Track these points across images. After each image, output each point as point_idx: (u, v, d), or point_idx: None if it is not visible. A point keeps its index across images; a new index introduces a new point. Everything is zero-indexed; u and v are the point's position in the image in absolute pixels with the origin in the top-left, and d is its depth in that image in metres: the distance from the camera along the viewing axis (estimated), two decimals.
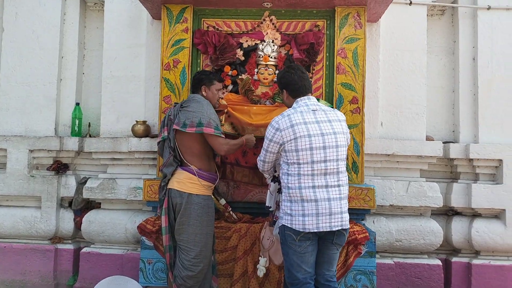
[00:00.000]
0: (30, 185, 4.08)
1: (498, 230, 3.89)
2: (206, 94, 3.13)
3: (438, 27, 4.26)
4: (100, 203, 4.11)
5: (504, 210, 3.89)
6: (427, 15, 4.12)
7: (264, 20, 3.63)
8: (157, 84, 4.00)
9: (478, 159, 3.91)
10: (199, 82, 3.15)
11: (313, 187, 2.58)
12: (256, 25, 3.64)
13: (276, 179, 2.98)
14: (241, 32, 3.65)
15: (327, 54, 3.61)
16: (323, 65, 3.61)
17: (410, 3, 4.01)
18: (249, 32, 3.64)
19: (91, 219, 3.98)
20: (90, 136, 4.23)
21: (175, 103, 3.30)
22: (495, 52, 4.03)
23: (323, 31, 3.59)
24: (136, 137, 3.92)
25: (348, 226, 2.67)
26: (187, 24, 3.60)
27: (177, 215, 2.98)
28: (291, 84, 2.79)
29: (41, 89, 4.20)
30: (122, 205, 4.04)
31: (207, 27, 3.64)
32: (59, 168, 4.13)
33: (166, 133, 3.11)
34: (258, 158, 2.87)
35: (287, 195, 2.63)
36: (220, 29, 3.63)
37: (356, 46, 3.54)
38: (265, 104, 3.57)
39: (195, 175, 2.99)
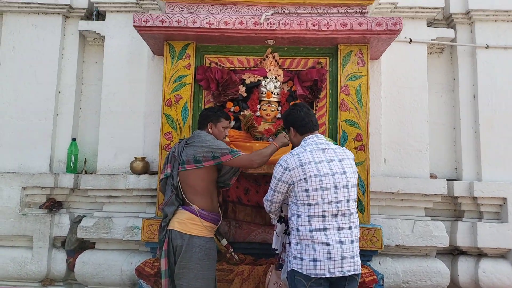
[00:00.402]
0: (22, 224, 3.90)
1: (505, 270, 3.80)
2: (212, 131, 3.06)
3: (437, 64, 4.29)
4: (94, 243, 3.94)
5: (510, 249, 3.82)
6: (427, 53, 4.15)
7: (267, 56, 3.62)
8: (157, 119, 3.93)
9: (482, 197, 3.86)
10: (206, 118, 3.09)
11: (324, 229, 2.48)
12: (258, 62, 3.62)
13: (282, 220, 2.88)
14: (244, 68, 3.62)
15: (330, 91, 3.59)
16: (326, 102, 3.58)
17: (410, 41, 4.04)
18: (252, 68, 3.62)
19: (85, 260, 3.80)
20: (86, 172, 4.11)
21: (179, 139, 3.23)
22: (495, 90, 4.05)
23: (326, 68, 3.58)
24: (134, 174, 3.81)
25: (360, 270, 2.56)
26: (190, 61, 3.57)
27: (178, 258, 2.84)
28: (298, 121, 2.74)
29: (37, 124, 4.10)
30: (118, 245, 3.88)
31: (210, 64, 3.61)
32: (53, 206, 3.98)
33: (169, 170, 3.02)
34: (265, 198, 2.77)
35: (297, 238, 2.52)
36: (222, 65, 3.60)
37: (359, 83, 3.53)
38: (268, 141, 3.50)
39: (197, 216, 2.88)
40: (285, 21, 3.38)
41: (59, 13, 4.22)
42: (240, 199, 3.54)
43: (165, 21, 3.39)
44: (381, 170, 3.87)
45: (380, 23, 3.36)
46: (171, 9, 3.56)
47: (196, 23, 3.39)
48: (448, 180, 3.96)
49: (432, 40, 4.10)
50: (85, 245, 3.98)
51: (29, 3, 4.17)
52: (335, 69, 3.58)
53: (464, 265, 3.86)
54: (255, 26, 3.37)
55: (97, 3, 4.14)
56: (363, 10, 3.54)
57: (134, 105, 4.04)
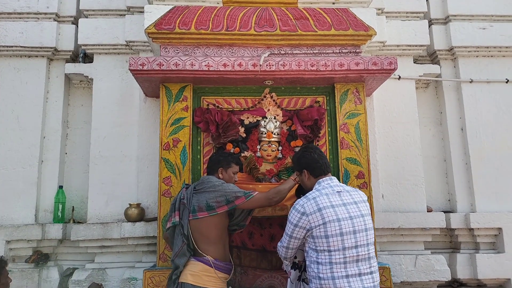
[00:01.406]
0: None
1: None
2: (222, 177, 2.97)
3: (424, 99, 4.41)
4: None
5: (509, 279, 3.87)
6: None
7: (265, 97, 3.59)
8: (151, 163, 3.82)
9: (478, 228, 3.93)
10: (216, 164, 3.00)
11: (347, 276, 2.41)
12: (257, 102, 3.59)
13: (296, 266, 2.79)
14: (242, 109, 3.58)
15: (329, 129, 3.59)
16: (326, 140, 3.57)
17: (399, 78, 4.15)
18: (250, 109, 3.58)
19: None
20: (74, 221, 3.89)
21: (185, 184, 3.11)
22: (482, 123, 4.19)
23: (323, 107, 3.59)
24: (129, 221, 3.64)
25: None
26: (187, 103, 3.49)
27: None
28: (313, 163, 2.70)
29: (20, 172, 3.87)
30: None
31: (207, 105, 3.55)
32: (40, 259, 3.73)
33: (177, 219, 2.88)
34: (279, 244, 2.68)
35: (317, 286, 2.44)
36: (220, 106, 3.55)
37: (357, 121, 3.55)
38: (271, 182, 3.44)
39: (212, 267, 2.75)
40: (283, 62, 3.38)
41: (43, 56, 4.07)
42: (244, 243, 3.43)
43: (163, 64, 3.32)
44: (380, 206, 3.87)
45: (376, 62, 3.42)
46: (166, 52, 3.50)
47: (194, 65, 3.34)
48: (444, 212, 4.00)
49: (419, 76, 4.23)
50: None
51: (11, 47, 4.01)
52: (332, 107, 3.60)
53: None
54: (254, 68, 3.36)
55: (85, 45, 4.03)
56: (357, 50, 3.60)
57: (126, 149, 3.90)
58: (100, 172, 3.85)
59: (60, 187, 3.90)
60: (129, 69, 3.30)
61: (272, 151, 3.51)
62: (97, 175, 3.84)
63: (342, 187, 2.64)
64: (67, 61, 4.15)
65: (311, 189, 2.68)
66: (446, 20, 4.39)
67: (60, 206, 3.83)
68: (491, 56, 4.33)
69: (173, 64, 3.32)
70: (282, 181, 3.42)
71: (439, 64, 4.35)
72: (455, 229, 3.96)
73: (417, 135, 4.10)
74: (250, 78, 3.45)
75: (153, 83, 3.51)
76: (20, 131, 3.94)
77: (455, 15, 4.33)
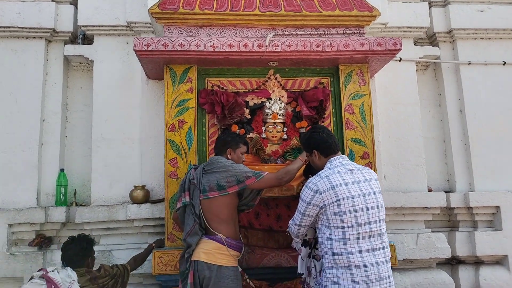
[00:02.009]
0: (10, 264, 3.59)
1: (503, 276, 3.95)
2: (231, 157, 2.98)
3: (423, 81, 4.44)
4: None
5: (506, 256, 3.98)
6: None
7: (269, 78, 3.59)
8: (154, 146, 3.80)
9: (477, 207, 4.01)
10: (224, 144, 3.00)
11: (360, 251, 2.46)
12: (261, 83, 3.59)
13: (307, 243, 2.83)
14: (247, 90, 3.57)
15: (334, 110, 3.61)
16: (330, 121, 3.60)
17: (400, 60, 4.17)
18: (255, 90, 3.58)
19: None
20: (76, 204, 3.86)
21: (193, 165, 3.11)
22: (480, 104, 4.25)
23: (328, 88, 3.61)
24: (134, 203, 3.62)
25: None
26: (192, 84, 3.47)
27: None
28: (322, 143, 2.72)
29: (21, 155, 3.81)
30: None
31: (212, 87, 3.53)
32: (43, 242, 3.70)
33: (187, 199, 2.89)
34: (291, 222, 2.71)
35: (332, 262, 2.48)
36: (225, 88, 3.54)
37: (362, 101, 3.58)
38: (277, 163, 3.46)
39: (224, 245, 2.77)
40: (289, 42, 3.38)
41: (41, 37, 3.98)
42: (251, 223, 3.46)
43: (168, 45, 3.29)
44: (383, 186, 3.90)
45: (381, 43, 3.44)
46: (169, 32, 3.46)
47: (199, 46, 3.31)
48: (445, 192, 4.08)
49: (420, 58, 4.26)
50: None
51: (8, 27, 3.91)
52: (337, 88, 3.61)
53: (465, 274, 3.97)
54: (259, 49, 3.35)
55: (85, 26, 3.96)
56: (361, 31, 3.61)
57: (128, 131, 3.87)
58: (103, 155, 3.81)
59: (62, 170, 3.85)
60: (133, 50, 3.26)
61: (277, 132, 3.52)
62: (100, 157, 3.81)
63: (354, 165, 2.67)
64: (66, 42, 4.07)
65: (322, 169, 2.71)
66: (445, 2, 4.42)
67: (62, 189, 3.79)
68: (489, 38, 4.39)
69: (178, 45, 3.29)
70: (288, 162, 3.44)
71: (438, 47, 4.39)
72: (455, 208, 4.04)
73: (418, 117, 4.15)
74: (255, 59, 3.44)
75: (157, 64, 3.48)
76: (19, 114, 3.87)
77: None
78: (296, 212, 2.66)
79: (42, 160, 3.88)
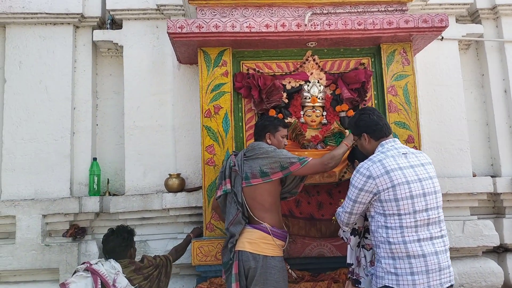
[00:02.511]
0: (45, 256, 3.53)
1: None
2: (271, 142, 2.84)
3: (464, 61, 4.21)
4: None
5: None
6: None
7: (307, 60, 3.43)
8: (188, 132, 3.69)
9: None
10: (263, 129, 2.87)
11: (418, 240, 2.30)
12: (298, 66, 3.43)
13: (356, 232, 2.69)
14: (284, 73, 3.42)
15: (375, 92, 3.44)
16: (372, 104, 3.43)
17: (442, 39, 3.95)
18: (292, 73, 3.42)
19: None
20: (109, 194, 3.78)
21: (233, 151, 2.99)
22: None
23: (369, 69, 3.43)
24: (170, 192, 3.52)
25: (454, 281, 2.40)
26: (227, 68, 3.33)
27: (249, 281, 2.61)
28: (373, 125, 2.56)
29: (52, 144, 3.73)
30: None
31: (247, 70, 3.39)
32: (77, 233, 3.63)
33: (228, 186, 2.78)
34: (341, 209, 2.56)
35: (388, 251, 2.33)
36: (261, 71, 3.39)
37: (405, 82, 3.40)
38: (317, 148, 3.31)
39: (270, 234, 2.65)
40: (329, 21, 3.21)
41: (69, 23, 3.87)
42: (292, 212, 3.33)
43: (202, 27, 3.15)
44: None
45: (426, 20, 3.24)
46: (202, 14, 3.32)
47: (235, 27, 3.16)
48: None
49: (462, 36, 4.04)
50: None
51: (36, 14, 3.81)
52: (378, 69, 3.44)
53: None
54: (298, 28, 3.18)
55: (113, 10, 3.83)
56: (403, 8, 3.42)
57: (161, 118, 3.76)
58: (136, 143, 3.71)
59: (94, 159, 3.77)
60: (167, 32, 3.13)
61: (317, 116, 3.36)
62: (133, 146, 3.71)
63: (407, 149, 2.50)
64: (94, 28, 3.95)
65: (372, 153, 2.55)
66: None
67: (96, 179, 3.71)
68: None
69: (213, 26, 3.15)
70: (329, 147, 3.29)
71: (481, 24, 4.15)
72: (501, 193, 3.85)
73: (462, 98, 3.94)
74: (292, 40, 3.28)
75: (190, 47, 3.34)
76: (50, 102, 3.79)
77: None
78: (346, 199, 2.51)
79: (74, 149, 3.80)
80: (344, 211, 2.54)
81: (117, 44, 3.86)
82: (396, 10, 3.41)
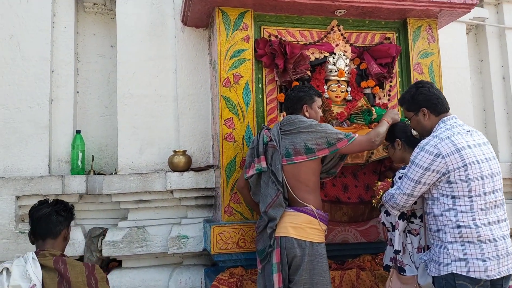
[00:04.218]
0: (20, 245, 2.95)
1: None
2: (308, 115, 2.53)
3: None
4: (119, 262, 3.14)
5: None
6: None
7: (332, 29, 3.14)
8: (193, 104, 3.28)
9: None
10: (299, 100, 2.54)
11: (488, 223, 2.14)
12: (323, 36, 3.14)
13: (404, 216, 2.47)
14: (308, 43, 3.11)
15: (399, 70, 3.25)
16: (396, 82, 3.23)
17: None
18: (316, 43, 3.12)
19: (115, 283, 2.99)
20: (94, 173, 3.25)
21: (262, 126, 2.63)
22: None
23: (395, 44, 3.23)
24: (175, 171, 3.08)
25: None
26: (248, 32, 2.95)
27: (293, 271, 2.30)
28: (434, 99, 2.34)
29: (26, 113, 3.13)
30: (154, 260, 3.14)
31: (269, 36, 3.03)
32: None
33: (264, 164, 2.43)
34: (396, 191, 2.31)
35: (457, 236, 2.14)
36: (283, 38, 3.05)
37: (431, 60, 3.25)
38: (342, 126, 3.06)
39: (316, 218, 2.35)
40: None
41: None
42: (338, 198, 3.06)
43: None
44: None
45: None
46: None
47: None
48: None
49: (469, 19, 3.98)
50: (102, 264, 3.15)
51: None
52: (403, 45, 3.25)
53: None
54: None
55: None
56: None
57: (161, 87, 3.28)
58: (131, 114, 3.21)
59: (78, 131, 3.22)
60: None
61: (342, 91, 3.11)
62: (128, 117, 3.20)
63: (469, 127, 2.33)
64: None
65: (430, 131, 2.34)
66: None
67: (80, 155, 3.17)
68: None
69: None
70: (354, 125, 3.04)
71: (484, 8, 4.13)
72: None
73: (468, 82, 3.90)
74: (322, 5, 2.98)
75: (208, 5, 2.92)
76: (23, 62, 3.16)
77: None
78: (405, 179, 2.27)
79: (52, 119, 3.21)
80: (402, 192, 2.30)
81: None
82: None
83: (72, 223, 2.85)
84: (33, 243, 2.10)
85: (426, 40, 3.25)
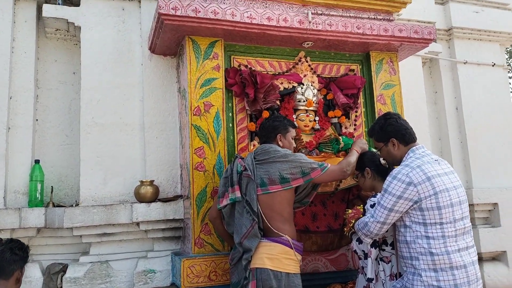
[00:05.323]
0: None
1: (504, 272, 4.02)
2: (282, 144, 2.54)
3: None
4: None
5: (505, 251, 4.06)
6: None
7: (299, 60, 3.21)
8: (160, 133, 3.22)
9: (477, 204, 4.05)
10: (273, 130, 2.55)
11: (459, 250, 2.20)
12: (291, 66, 3.20)
13: (376, 244, 2.50)
14: (276, 73, 3.15)
15: (363, 100, 3.36)
16: (361, 112, 3.33)
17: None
18: (285, 73, 3.17)
19: None
20: (53, 205, 3.08)
21: (236, 155, 2.61)
22: (475, 103, 4.32)
23: (360, 76, 3.34)
24: (141, 202, 2.97)
25: None
26: (218, 61, 2.96)
27: None
28: (402, 130, 2.43)
29: None
30: None
31: (239, 66, 3.05)
32: None
33: (238, 194, 2.39)
34: (370, 220, 2.34)
35: (430, 263, 2.18)
36: (253, 68, 3.08)
37: (393, 92, 3.38)
38: (311, 155, 3.08)
39: (292, 248, 2.33)
40: (330, 21, 3.05)
41: None
42: (307, 226, 3.04)
43: (199, 11, 2.75)
44: None
45: (417, 31, 3.27)
46: None
47: (235, 16, 2.83)
48: None
49: (425, 53, 4.20)
50: None
51: None
52: (367, 76, 3.37)
53: None
54: (300, 25, 2.96)
55: None
56: (390, 18, 3.42)
57: (127, 115, 3.20)
58: (95, 143, 3.08)
59: (37, 161, 3.05)
60: (158, 13, 2.67)
61: (310, 121, 3.15)
62: (91, 146, 3.07)
63: (436, 156, 2.42)
64: (39, 2, 3.26)
65: (399, 160, 2.42)
66: (443, 1, 4.44)
67: (39, 186, 2.99)
68: (480, 39, 4.49)
69: (211, 12, 2.77)
70: (323, 154, 3.08)
71: (437, 43, 4.39)
72: None
73: (425, 113, 4.08)
74: (291, 37, 3.05)
75: (178, 34, 2.91)
76: None
77: None
78: (379, 208, 2.31)
79: (9, 148, 3.03)
80: (376, 220, 2.34)
81: (72, 24, 3.21)
82: (384, 19, 3.39)
83: (29, 259, 2.68)
84: None
85: (388, 73, 3.39)
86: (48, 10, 3.15)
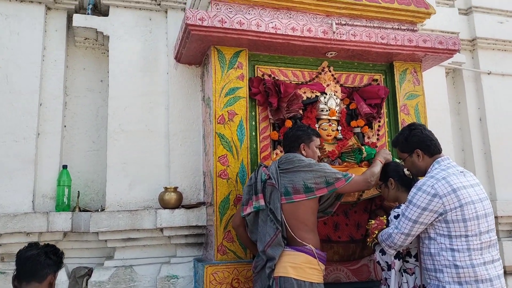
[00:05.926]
0: None
1: None
2: (305, 153, 2.56)
3: None
4: None
5: None
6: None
7: (323, 70, 3.24)
8: (184, 140, 3.26)
9: (502, 216, 3.98)
10: (297, 139, 2.57)
11: (484, 263, 2.18)
12: (314, 76, 3.22)
13: (400, 256, 2.49)
14: (299, 82, 3.18)
15: (386, 110, 3.36)
16: (384, 122, 3.33)
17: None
18: (308, 83, 3.20)
19: None
20: (80, 209, 3.15)
21: (260, 163, 2.64)
22: (500, 113, 4.26)
23: (383, 86, 3.34)
24: (165, 208, 3.02)
25: None
26: (242, 71, 3.00)
27: None
28: (427, 141, 2.42)
29: (12, 146, 3.03)
30: None
31: (262, 75, 3.09)
32: None
33: (262, 202, 2.42)
34: (394, 231, 2.34)
35: (455, 276, 2.17)
36: (276, 77, 3.11)
37: (416, 102, 3.38)
38: (334, 165, 3.09)
39: (315, 258, 2.34)
40: (354, 32, 3.07)
41: (40, 2, 3.24)
42: (329, 236, 3.05)
43: (225, 22, 2.80)
44: None
45: (442, 41, 3.27)
46: (217, 9, 2.97)
47: (260, 26, 2.87)
48: None
49: (448, 63, 4.17)
50: None
51: None
52: (390, 87, 3.37)
53: None
54: (324, 35, 2.99)
55: None
56: (414, 28, 3.42)
57: (152, 122, 3.26)
58: (121, 150, 3.15)
59: (64, 166, 3.13)
60: (185, 23, 2.74)
61: (332, 130, 3.16)
62: (117, 153, 3.14)
63: (462, 168, 2.41)
64: (69, 12, 3.36)
65: (424, 171, 2.41)
66: (467, 11, 4.41)
67: (66, 191, 3.07)
68: (505, 50, 4.44)
69: (236, 23, 2.82)
70: (346, 163, 3.09)
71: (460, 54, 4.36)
72: None
73: (448, 123, 4.04)
74: (315, 47, 3.08)
75: (204, 44, 2.96)
76: (11, 94, 3.09)
77: (477, 7, 4.37)
78: (403, 219, 2.31)
79: (38, 153, 3.12)
80: (400, 232, 2.33)
81: (100, 33, 3.30)
82: (408, 30, 3.39)
83: (63, 265, 2.76)
84: None
85: (412, 83, 3.38)
86: (78, 20, 3.25)
